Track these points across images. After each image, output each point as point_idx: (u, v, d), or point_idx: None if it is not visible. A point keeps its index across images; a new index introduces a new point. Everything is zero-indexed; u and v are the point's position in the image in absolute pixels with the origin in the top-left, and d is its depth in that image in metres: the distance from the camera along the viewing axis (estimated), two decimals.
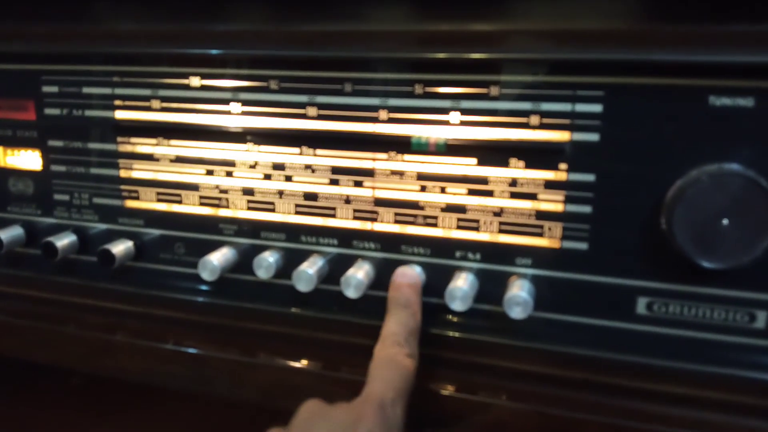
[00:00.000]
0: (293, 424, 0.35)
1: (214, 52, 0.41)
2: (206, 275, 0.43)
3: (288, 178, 0.42)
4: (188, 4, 0.41)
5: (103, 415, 0.72)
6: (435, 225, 0.40)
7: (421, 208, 0.40)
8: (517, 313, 0.37)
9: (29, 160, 0.48)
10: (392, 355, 0.37)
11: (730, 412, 0.36)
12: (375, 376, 0.36)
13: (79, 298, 0.49)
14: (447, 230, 0.40)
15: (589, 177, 0.36)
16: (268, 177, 0.43)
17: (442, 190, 0.39)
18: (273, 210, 0.43)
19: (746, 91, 0.33)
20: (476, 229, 0.39)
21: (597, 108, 0.35)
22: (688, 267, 0.34)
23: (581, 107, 0.35)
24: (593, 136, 0.36)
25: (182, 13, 0.42)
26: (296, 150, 0.42)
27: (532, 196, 0.38)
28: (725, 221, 0.33)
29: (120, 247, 0.45)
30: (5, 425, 0.72)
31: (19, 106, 0.47)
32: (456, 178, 0.39)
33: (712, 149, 0.34)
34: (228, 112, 0.42)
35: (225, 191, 0.44)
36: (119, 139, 0.45)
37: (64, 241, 0.46)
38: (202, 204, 0.45)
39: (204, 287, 0.46)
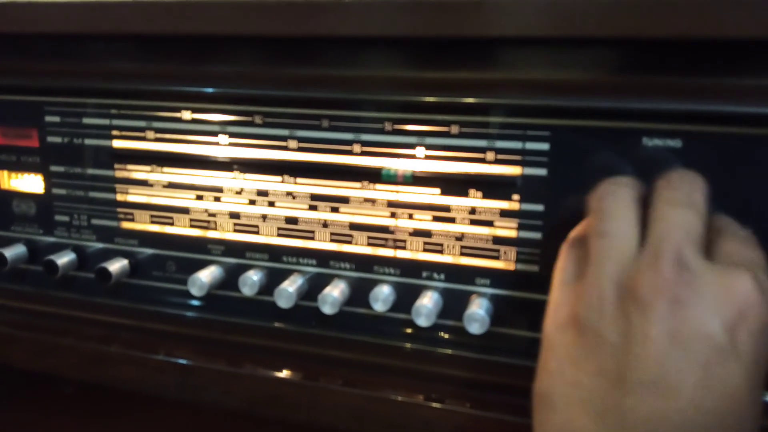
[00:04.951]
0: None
1: (204, 90, 0.43)
2: (195, 291, 0.45)
3: (271, 204, 0.44)
4: (183, 48, 0.44)
5: (96, 423, 0.73)
6: (404, 248, 0.42)
7: (391, 232, 0.42)
8: (475, 328, 0.39)
9: (32, 183, 0.50)
10: None
11: None
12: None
13: (77, 312, 0.51)
14: (414, 253, 0.42)
15: (539, 207, 0.39)
16: (252, 202, 0.45)
17: (410, 217, 0.42)
18: (257, 232, 0.45)
19: (675, 133, 0.35)
20: (440, 252, 0.42)
21: (545, 146, 0.38)
22: None
23: (531, 145, 0.38)
24: (542, 171, 0.38)
25: (177, 55, 0.44)
26: (278, 178, 0.44)
27: (489, 223, 0.40)
28: None
29: (116, 265, 0.47)
30: None
31: (24, 134, 0.49)
32: (422, 206, 0.41)
33: (646, 183, 0.35)
34: (216, 143, 0.44)
35: (213, 215, 0.46)
36: (116, 165, 0.47)
37: (64, 259, 0.48)
38: (192, 226, 0.47)
39: (193, 302, 0.48)
